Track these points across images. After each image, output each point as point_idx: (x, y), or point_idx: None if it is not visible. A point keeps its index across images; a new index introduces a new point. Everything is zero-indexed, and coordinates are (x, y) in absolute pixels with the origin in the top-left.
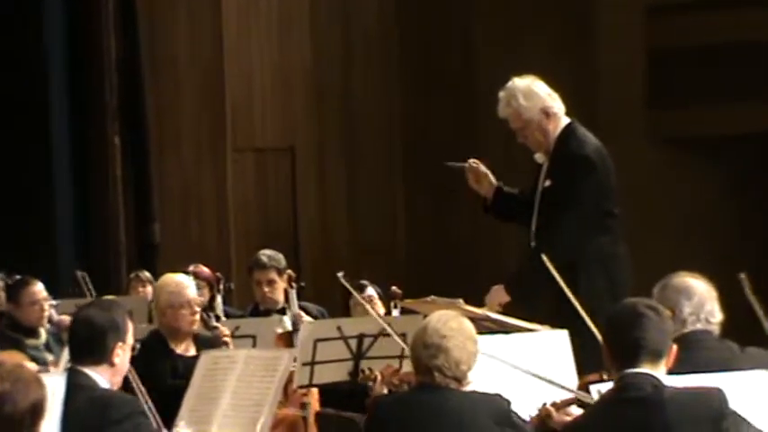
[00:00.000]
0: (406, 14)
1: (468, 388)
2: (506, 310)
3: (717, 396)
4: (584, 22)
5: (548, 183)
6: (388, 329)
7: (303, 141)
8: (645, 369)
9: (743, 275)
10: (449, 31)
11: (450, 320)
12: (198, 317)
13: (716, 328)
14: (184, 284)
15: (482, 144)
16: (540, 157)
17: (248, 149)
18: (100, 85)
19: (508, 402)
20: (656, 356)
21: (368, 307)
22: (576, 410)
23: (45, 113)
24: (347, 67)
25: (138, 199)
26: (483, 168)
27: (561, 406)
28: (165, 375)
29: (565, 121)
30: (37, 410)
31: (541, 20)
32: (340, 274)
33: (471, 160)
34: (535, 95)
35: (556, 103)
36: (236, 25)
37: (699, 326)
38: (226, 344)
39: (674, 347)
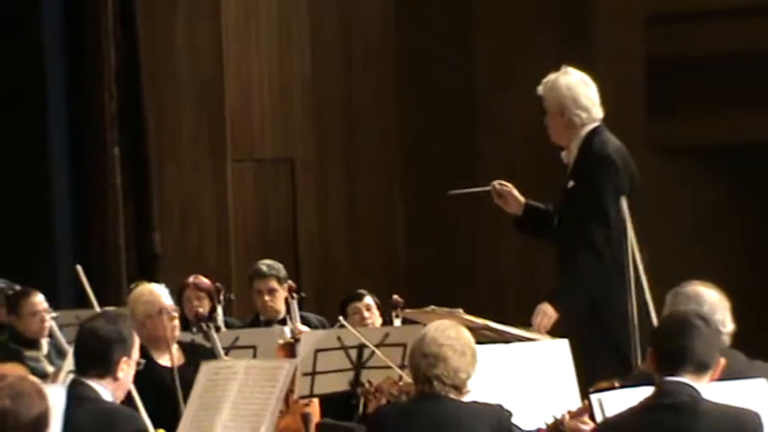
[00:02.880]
0: (406, 26)
1: (468, 397)
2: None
3: (753, 419)
4: (584, 31)
5: (571, 183)
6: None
7: (303, 152)
8: (686, 379)
9: None
10: (449, 42)
11: (448, 329)
12: (177, 323)
13: (726, 338)
14: (158, 293)
15: (482, 155)
16: (565, 156)
17: (248, 160)
18: (99, 94)
19: (509, 414)
20: (700, 368)
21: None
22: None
23: (43, 123)
24: (347, 78)
25: (138, 209)
26: (507, 187)
27: (576, 415)
28: (144, 397)
29: (593, 125)
30: (40, 424)
31: (540, 29)
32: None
33: (496, 182)
34: (572, 95)
35: (582, 112)
36: (235, 35)
37: None
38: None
39: (722, 361)
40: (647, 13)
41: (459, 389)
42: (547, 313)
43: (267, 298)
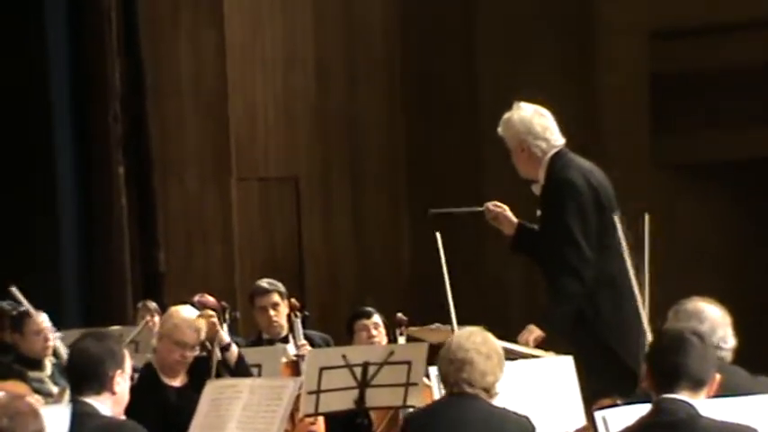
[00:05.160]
0: (409, 43)
1: (495, 400)
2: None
3: None
4: (587, 48)
5: (539, 212)
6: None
7: (307, 170)
8: (683, 396)
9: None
10: (453, 57)
11: (473, 335)
12: (188, 362)
13: (728, 354)
14: (190, 324)
15: (486, 170)
16: (536, 189)
17: (252, 178)
18: (103, 114)
19: (533, 428)
20: (696, 384)
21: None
22: None
23: (49, 142)
24: (351, 95)
25: (143, 228)
26: (500, 208)
27: None
28: (149, 415)
29: (554, 151)
30: None
31: (544, 46)
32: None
33: (489, 203)
34: (527, 128)
35: (540, 141)
36: (239, 54)
37: None
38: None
39: (717, 377)
40: (650, 29)
41: (487, 391)
42: (533, 332)
43: (272, 313)
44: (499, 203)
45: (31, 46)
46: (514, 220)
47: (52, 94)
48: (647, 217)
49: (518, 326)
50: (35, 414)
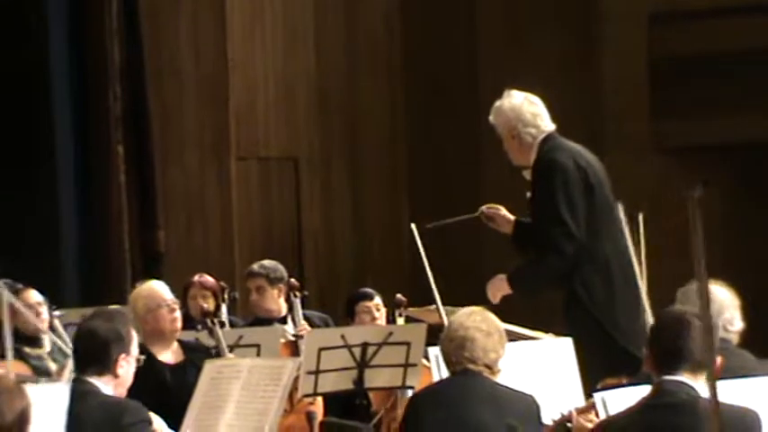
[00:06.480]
0: (411, 26)
1: (497, 379)
2: (505, 301)
3: (752, 417)
4: (589, 32)
5: (528, 194)
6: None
7: (307, 150)
8: (683, 378)
9: None
10: (454, 42)
11: (473, 314)
12: (179, 315)
13: (734, 337)
14: (157, 288)
15: (487, 155)
16: (527, 174)
17: (252, 158)
18: (103, 93)
19: (538, 406)
20: (697, 366)
21: None
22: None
23: (48, 122)
24: (352, 77)
25: (143, 207)
26: (494, 209)
27: (583, 411)
28: (145, 394)
29: (544, 135)
30: (23, 420)
31: (545, 30)
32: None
33: (483, 207)
34: (517, 116)
35: (530, 128)
36: (240, 34)
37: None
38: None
39: (719, 359)
40: (651, 13)
41: (490, 368)
42: (501, 288)
43: (255, 297)
44: (493, 205)
45: (30, 26)
46: (511, 218)
47: (52, 74)
48: (641, 217)
49: (520, 313)
50: (20, 392)
